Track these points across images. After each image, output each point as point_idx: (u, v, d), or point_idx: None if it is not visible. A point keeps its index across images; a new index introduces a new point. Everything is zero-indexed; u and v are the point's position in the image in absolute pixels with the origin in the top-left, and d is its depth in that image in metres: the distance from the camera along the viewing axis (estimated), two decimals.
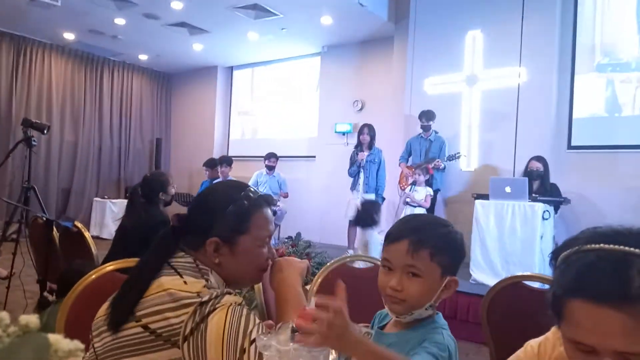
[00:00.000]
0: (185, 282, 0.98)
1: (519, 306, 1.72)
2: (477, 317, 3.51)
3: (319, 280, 1.87)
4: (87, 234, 2.51)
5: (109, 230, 8.45)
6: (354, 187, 5.69)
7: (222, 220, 1.08)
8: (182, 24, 7.31)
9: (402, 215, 5.06)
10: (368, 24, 7.04)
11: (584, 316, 0.65)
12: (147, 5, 6.60)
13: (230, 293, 0.99)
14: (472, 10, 6.06)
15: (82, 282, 1.39)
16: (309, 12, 6.66)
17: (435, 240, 1.02)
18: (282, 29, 7.32)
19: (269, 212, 1.14)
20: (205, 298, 0.94)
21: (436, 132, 5.82)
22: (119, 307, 0.97)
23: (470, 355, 3.70)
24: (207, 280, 1.02)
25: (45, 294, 2.21)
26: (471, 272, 4.65)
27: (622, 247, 0.65)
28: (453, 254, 1.04)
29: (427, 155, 5.71)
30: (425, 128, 5.75)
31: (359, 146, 5.72)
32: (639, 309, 0.61)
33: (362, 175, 5.60)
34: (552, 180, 5.04)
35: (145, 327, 0.92)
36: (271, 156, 7.09)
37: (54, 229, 2.64)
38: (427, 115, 5.71)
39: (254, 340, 0.89)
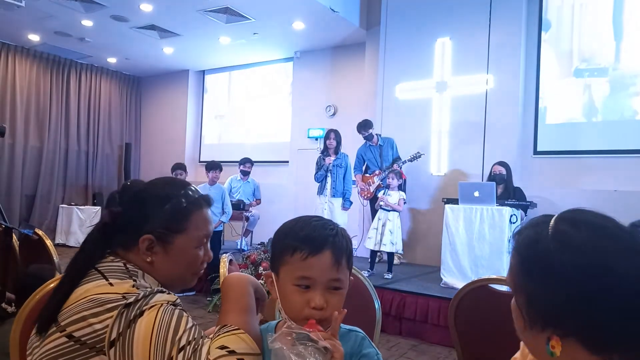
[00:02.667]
0: (111, 284, 0.93)
1: (485, 309, 1.73)
2: (447, 320, 3.55)
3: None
4: (48, 242, 2.42)
5: (76, 237, 8.23)
6: (320, 191, 5.70)
7: (159, 217, 1.02)
8: (151, 27, 7.19)
9: (377, 220, 5.07)
10: (340, 30, 7.09)
11: None
12: (115, 7, 6.47)
13: (163, 291, 0.94)
14: (441, 18, 6.17)
15: (40, 290, 1.29)
16: (281, 17, 6.66)
17: (347, 243, 0.90)
18: (254, 33, 7.29)
19: (208, 212, 1.09)
20: (131, 299, 0.88)
21: (379, 135, 5.88)
22: (43, 315, 0.93)
23: (441, 358, 3.73)
24: (135, 280, 0.96)
25: (4, 305, 2.12)
26: (442, 276, 4.71)
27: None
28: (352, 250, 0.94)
29: (381, 159, 5.77)
30: (368, 137, 5.79)
31: (325, 151, 5.74)
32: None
33: (329, 179, 5.63)
34: (519, 184, 5.16)
35: (70, 336, 0.87)
36: (246, 161, 7.01)
37: (13, 236, 2.55)
38: (364, 127, 5.71)
39: (183, 347, 0.84)
